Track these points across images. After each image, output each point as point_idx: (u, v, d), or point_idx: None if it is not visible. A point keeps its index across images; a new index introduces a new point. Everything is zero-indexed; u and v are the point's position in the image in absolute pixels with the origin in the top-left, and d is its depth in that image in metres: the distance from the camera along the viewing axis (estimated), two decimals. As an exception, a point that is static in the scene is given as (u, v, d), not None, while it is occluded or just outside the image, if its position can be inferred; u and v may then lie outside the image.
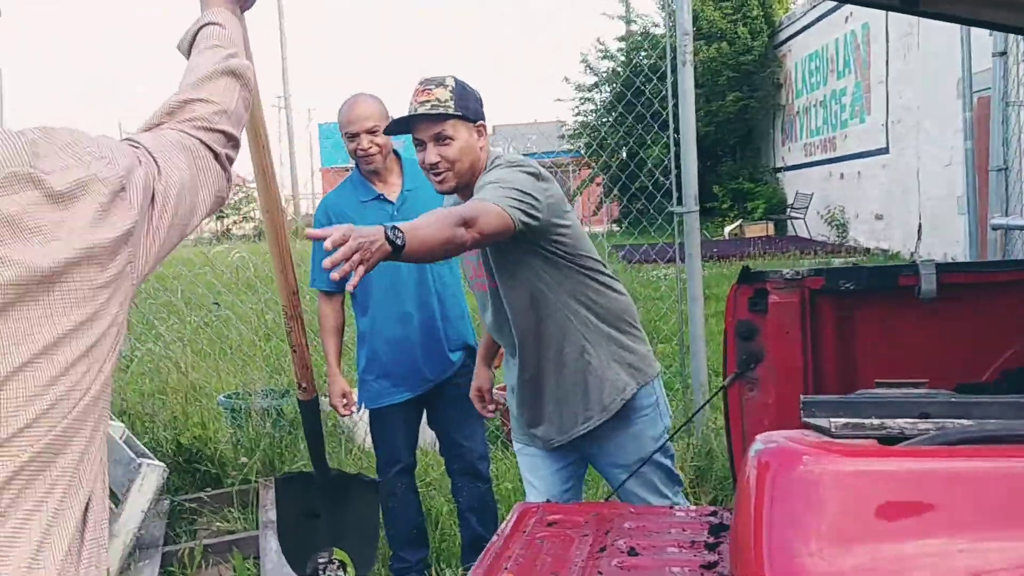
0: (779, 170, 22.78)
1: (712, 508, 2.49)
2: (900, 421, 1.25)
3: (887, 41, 15.55)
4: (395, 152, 3.49)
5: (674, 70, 4.62)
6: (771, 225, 20.76)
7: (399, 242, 1.94)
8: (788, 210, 20.66)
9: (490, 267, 2.67)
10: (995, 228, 5.06)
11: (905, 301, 2.64)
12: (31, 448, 1.00)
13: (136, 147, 1.21)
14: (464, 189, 2.59)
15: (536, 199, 2.41)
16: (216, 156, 1.34)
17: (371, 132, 3.31)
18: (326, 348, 3.54)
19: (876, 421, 1.25)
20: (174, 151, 1.26)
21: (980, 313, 2.63)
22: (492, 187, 2.37)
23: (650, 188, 5.36)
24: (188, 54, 1.48)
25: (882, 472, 1.16)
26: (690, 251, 4.69)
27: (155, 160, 1.21)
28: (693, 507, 2.74)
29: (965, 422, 1.26)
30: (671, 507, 2.69)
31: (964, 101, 5.80)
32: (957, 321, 2.65)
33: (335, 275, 1.84)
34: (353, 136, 3.34)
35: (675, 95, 4.64)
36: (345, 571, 2.42)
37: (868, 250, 15.76)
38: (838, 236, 17.86)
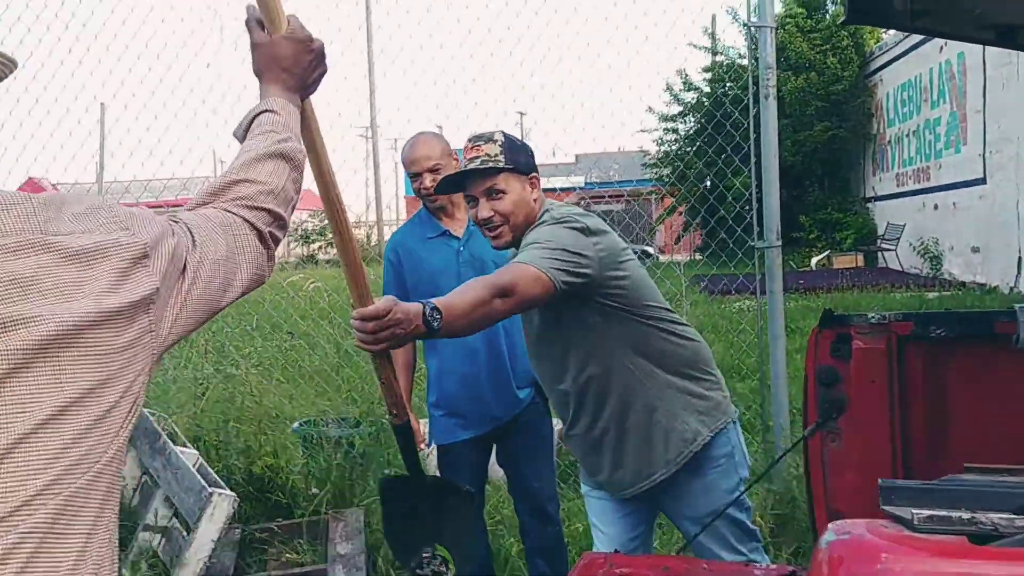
0: (869, 200, 22.19)
1: (790, 568, 2.34)
2: (994, 516, 1.10)
3: (984, 71, 15.03)
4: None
5: (757, 103, 4.50)
6: (860, 256, 20.19)
7: (435, 324, 1.99)
8: (879, 241, 20.08)
9: (531, 324, 2.60)
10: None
11: (1003, 350, 2.47)
12: (27, 529, 0.94)
13: (175, 222, 1.21)
14: (519, 244, 2.52)
15: (582, 255, 2.35)
16: (260, 235, 1.33)
17: (433, 171, 3.29)
18: None
19: (966, 515, 1.11)
20: (212, 227, 1.26)
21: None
22: (534, 248, 2.31)
23: (730, 222, 5.22)
24: (243, 140, 1.48)
25: (971, 576, 1.02)
26: (771, 287, 4.53)
27: (191, 234, 1.21)
28: (772, 566, 2.60)
29: (1072, 520, 1.11)
30: (746, 564, 2.55)
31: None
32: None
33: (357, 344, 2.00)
34: (416, 175, 3.33)
35: (757, 128, 4.51)
36: (447, 567, 2.48)
37: (963, 284, 15.16)
38: (931, 269, 17.25)
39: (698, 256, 21.76)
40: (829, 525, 1.15)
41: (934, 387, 2.55)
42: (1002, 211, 14.38)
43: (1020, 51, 2.54)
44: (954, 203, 16.72)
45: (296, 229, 32.92)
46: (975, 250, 15.68)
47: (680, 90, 23.04)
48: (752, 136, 4.59)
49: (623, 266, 2.47)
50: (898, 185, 20.08)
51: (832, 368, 2.59)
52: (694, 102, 22.61)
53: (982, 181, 15.39)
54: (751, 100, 4.57)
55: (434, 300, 2.04)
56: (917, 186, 18.78)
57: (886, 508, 1.16)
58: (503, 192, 2.49)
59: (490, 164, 2.48)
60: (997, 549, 1.08)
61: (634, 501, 2.69)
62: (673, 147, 22.97)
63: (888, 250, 19.23)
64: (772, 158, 4.46)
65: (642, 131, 21.28)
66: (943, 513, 1.11)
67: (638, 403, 2.53)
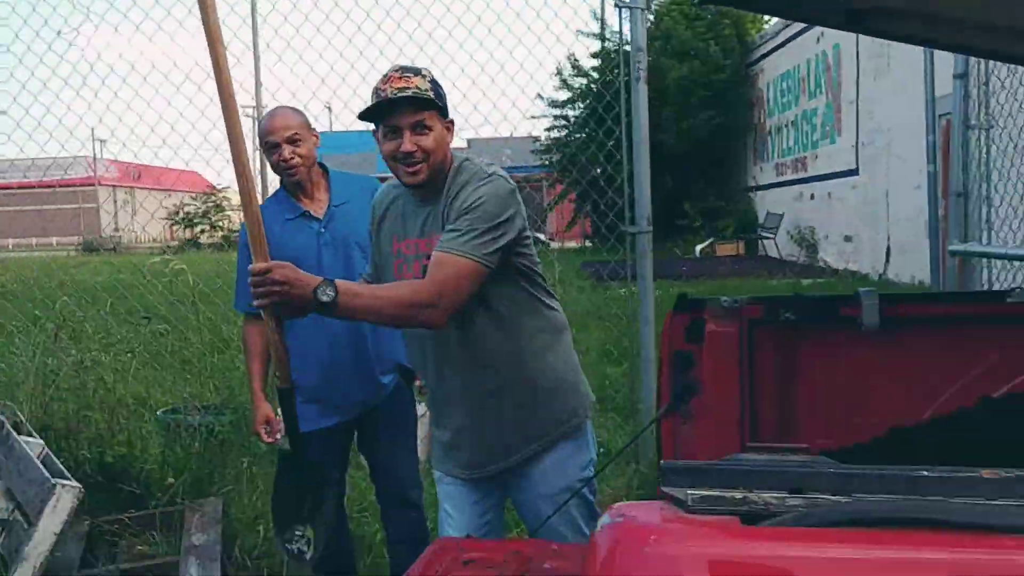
0: (751, 189, 22.81)
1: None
2: (767, 495, 1.08)
3: (858, 62, 15.57)
4: (321, 165, 3.33)
5: (628, 88, 4.48)
6: (742, 244, 20.75)
7: (324, 299, 2.09)
8: (759, 230, 20.66)
9: None
10: (953, 254, 4.96)
11: (848, 333, 2.51)
12: None
13: None
14: (431, 185, 2.43)
15: (512, 219, 2.36)
16: None
17: (291, 141, 3.16)
18: (250, 371, 3.37)
19: (739, 495, 1.08)
20: None
21: (925, 349, 2.50)
22: (464, 230, 2.28)
23: (602, 206, 5.23)
24: None
25: (736, 558, 0.98)
26: (642, 272, 4.55)
27: None
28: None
29: (841, 499, 1.09)
30: (597, 546, 2.54)
31: (928, 124, 5.71)
32: (902, 356, 2.52)
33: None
34: (274, 147, 3.18)
35: (629, 113, 4.50)
36: (309, 547, 2.54)
37: (837, 271, 15.75)
38: (808, 256, 17.85)
39: (588, 244, 22.00)
40: (609, 508, 1.11)
41: (784, 370, 2.58)
42: (873, 201, 14.96)
43: (867, 34, 2.57)
44: (829, 193, 17.33)
45: (177, 211, 31.81)
46: (848, 239, 16.29)
47: (571, 75, 23.15)
48: (624, 120, 4.58)
49: (525, 221, 2.47)
50: (778, 175, 20.70)
51: (686, 352, 2.59)
52: (583, 88, 22.75)
53: (855, 172, 15.98)
54: (622, 85, 4.55)
55: (344, 282, 2.15)
56: (795, 176, 19.39)
57: (665, 489, 1.13)
58: (429, 128, 2.38)
59: (424, 97, 2.36)
60: (762, 529, 1.06)
61: (484, 485, 2.64)
62: (561, 133, 23.08)
63: (768, 238, 19.82)
64: (643, 143, 4.45)
65: (532, 117, 21.31)
66: (717, 493, 1.09)
67: (522, 375, 2.50)
